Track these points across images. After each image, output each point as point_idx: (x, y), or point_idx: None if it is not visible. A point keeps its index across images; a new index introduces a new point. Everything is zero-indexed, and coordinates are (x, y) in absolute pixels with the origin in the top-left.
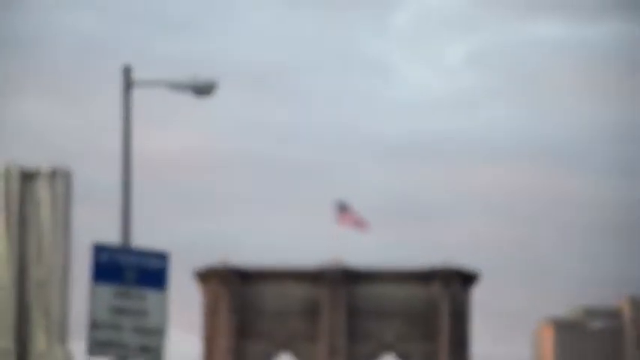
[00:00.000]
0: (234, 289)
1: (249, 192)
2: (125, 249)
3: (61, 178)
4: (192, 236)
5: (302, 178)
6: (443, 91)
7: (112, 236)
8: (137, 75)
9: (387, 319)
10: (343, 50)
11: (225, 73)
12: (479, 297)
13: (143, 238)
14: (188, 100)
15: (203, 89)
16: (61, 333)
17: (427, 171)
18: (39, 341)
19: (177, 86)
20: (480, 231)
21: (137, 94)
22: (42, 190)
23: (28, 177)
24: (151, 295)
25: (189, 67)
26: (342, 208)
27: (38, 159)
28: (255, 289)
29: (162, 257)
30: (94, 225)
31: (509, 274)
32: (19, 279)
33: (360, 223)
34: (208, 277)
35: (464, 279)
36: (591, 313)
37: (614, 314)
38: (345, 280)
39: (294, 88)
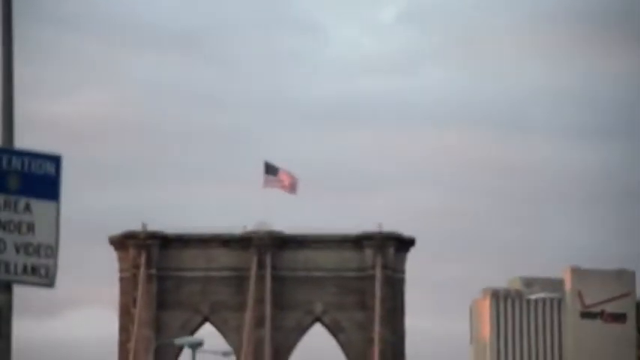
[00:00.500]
0: (154, 255)
1: (172, 158)
2: (6, 150)
3: None
4: (111, 206)
5: (228, 143)
6: (375, 52)
7: None
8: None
9: (316, 286)
10: (269, 9)
11: (147, 34)
12: (415, 267)
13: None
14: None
15: None
16: None
17: (356, 135)
18: None
19: None
20: (414, 199)
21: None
22: None
23: None
24: (38, 206)
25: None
26: (271, 170)
27: None
28: (176, 256)
29: (53, 160)
30: None
31: (446, 244)
32: None
33: (288, 186)
34: (125, 242)
35: (399, 244)
36: (531, 283)
37: (554, 285)
38: (273, 245)
39: (219, 49)
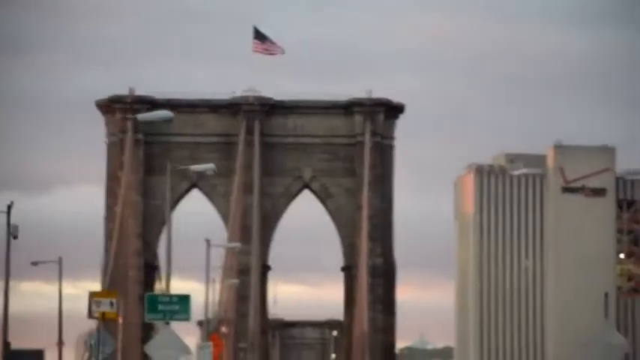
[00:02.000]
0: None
1: (162, 27)
2: None
3: None
4: (99, 75)
5: (218, 13)
6: None
7: None
8: None
9: (305, 153)
10: None
11: None
12: (402, 137)
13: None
14: None
15: None
16: None
17: (347, 13)
18: None
19: None
20: (406, 80)
21: None
22: None
23: None
24: None
25: None
26: (260, 37)
27: None
28: (164, 121)
29: None
30: None
31: (430, 123)
32: None
33: (276, 50)
34: (111, 107)
35: (389, 111)
36: (514, 159)
37: (537, 161)
38: (262, 111)
39: None
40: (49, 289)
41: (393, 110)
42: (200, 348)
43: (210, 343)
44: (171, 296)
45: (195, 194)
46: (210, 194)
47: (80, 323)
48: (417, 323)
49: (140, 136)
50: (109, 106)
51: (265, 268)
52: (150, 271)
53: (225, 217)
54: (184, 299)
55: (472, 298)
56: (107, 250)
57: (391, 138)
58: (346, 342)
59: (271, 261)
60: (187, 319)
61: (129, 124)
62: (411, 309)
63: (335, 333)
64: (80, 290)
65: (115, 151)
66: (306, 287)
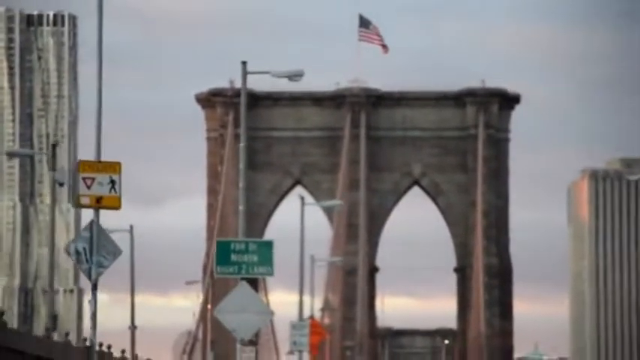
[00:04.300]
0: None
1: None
2: None
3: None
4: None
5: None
6: None
7: None
8: None
9: (414, 147)
10: None
11: None
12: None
13: None
14: None
15: None
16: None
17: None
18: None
19: None
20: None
21: None
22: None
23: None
24: None
25: None
26: (365, 24)
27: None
28: (265, 115)
29: None
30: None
31: (541, 133)
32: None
33: (382, 42)
34: (211, 100)
35: (503, 101)
36: (630, 164)
37: None
38: (368, 103)
39: None
40: (158, 301)
41: (509, 101)
42: (293, 327)
43: (307, 322)
44: (247, 242)
45: (299, 190)
46: (314, 191)
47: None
48: (530, 333)
49: (240, 131)
50: (209, 100)
51: (373, 270)
52: None
53: (329, 214)
54: (266, 246)
55: (589, 307)
56: (208, 253)
57: (506, 131)
58: (460, 348)
59: (379, 262)
60: (270, 273)
61: (230, 118)
62: (523, 319)
63: (447, 342)
64: (189, 301)
65: (215, 145)
66: (415, 300)
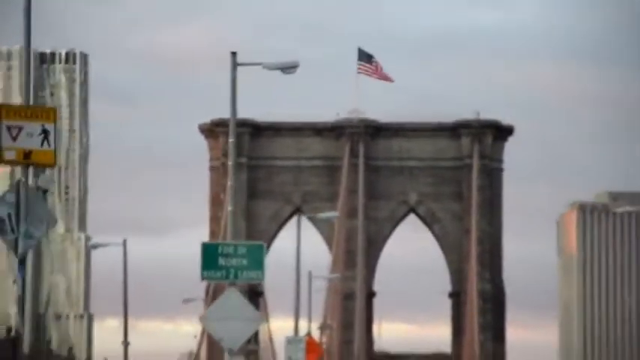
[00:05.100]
0: (244, 143)
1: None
2: None
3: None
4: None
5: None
6: None
7: None
8: None
9: (411, 176)
10: None
11: None
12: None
13: None
14: None
15: None
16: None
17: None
18: (58, 226)
19: None
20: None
21: None
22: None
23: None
24: None
25: None
26: (364, 57)
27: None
28: (267, 144)
29: None
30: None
31: (532, 166)
32: None
33: (383, 75)
34: (214, 131)
35: (497, 132)
36: (617, 197)
37: None
38: (366, 134)
39: None
40: (166, 326)
41: (502, 132)
42: (288, 342)
43: (303, 338)
44: (236, 245)
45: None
46: (313, 218)
47: None
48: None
49: (243, 160)
50: (212, 130)
51: (371, 294)
52: (253, 296)
53: (329, 241)
54: (256, 249)
55: (577, 338)
56: None
57: (500, 161)
58: None
59: (377, 286)
60: (260, 278)
61: (231, 147)
62: (515, 345)
63: None
64: (193, 327)
65: (217, 175)
66: (411, 325)
